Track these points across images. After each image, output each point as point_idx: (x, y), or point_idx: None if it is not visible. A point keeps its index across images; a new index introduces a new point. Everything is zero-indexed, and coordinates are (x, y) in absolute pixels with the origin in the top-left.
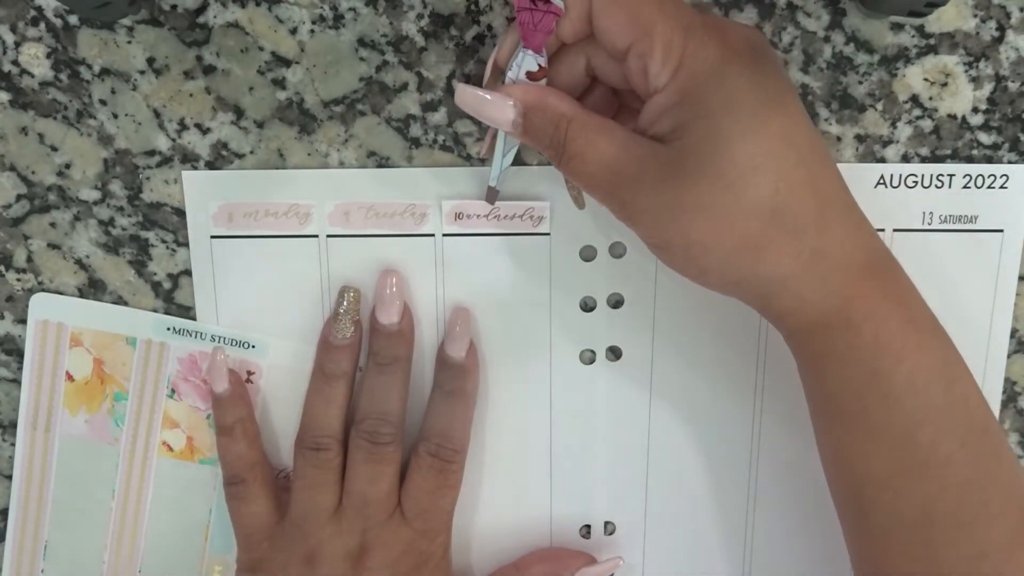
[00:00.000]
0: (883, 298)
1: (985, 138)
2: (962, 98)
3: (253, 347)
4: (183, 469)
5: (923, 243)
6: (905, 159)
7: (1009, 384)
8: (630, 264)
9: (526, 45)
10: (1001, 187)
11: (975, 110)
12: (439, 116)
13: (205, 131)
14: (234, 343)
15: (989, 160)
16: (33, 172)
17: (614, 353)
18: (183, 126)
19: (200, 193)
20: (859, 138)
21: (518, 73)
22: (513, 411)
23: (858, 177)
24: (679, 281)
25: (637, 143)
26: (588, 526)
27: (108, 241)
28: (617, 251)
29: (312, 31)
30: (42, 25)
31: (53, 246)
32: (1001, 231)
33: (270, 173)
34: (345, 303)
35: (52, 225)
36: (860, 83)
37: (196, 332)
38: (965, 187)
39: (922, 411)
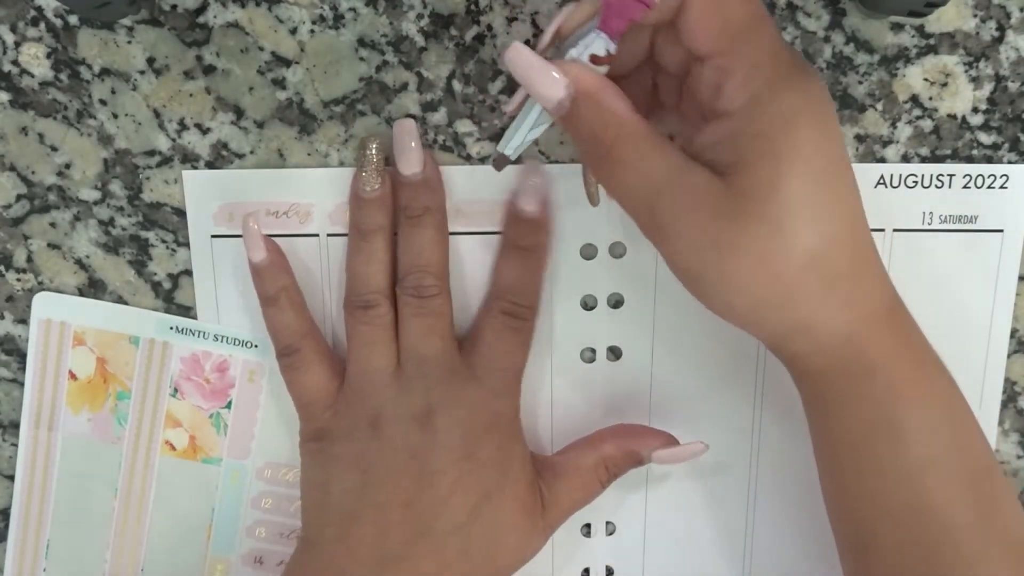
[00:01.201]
0: (896, 344)
1: (985, 138)
2: (962, 98)
3: (256, 347)
4: (186, 468)
5: (923, 243)
6: (905, 159)
7: (1009, 384)
8: (630, 264)
9: (602, 27)
10: (1001, 187)
11: (975, 110)
12: (439, 116)
13: (205, 131)
14: (237, 343)
15: (989, 160)
16: (33, 172)
17: (614, 353)
18: (183, 126)
19: (201, 193)
20: (859, 138)
21: (583, 52)
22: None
23: (858, 177)
24: (679, 282)
25: (692, 171)
26: (589, 525)
27: (108, 241)
28: (617, 251)
29: (312, 31)
30: (42, 25)
31: (53, 246)
32: (1001, 231)
33: (271, 172)
34: (369, 153)
35: (52, 225)
36: (860, 83)
37: (198, 331)
38: (965, 187)
39: (929, 455)
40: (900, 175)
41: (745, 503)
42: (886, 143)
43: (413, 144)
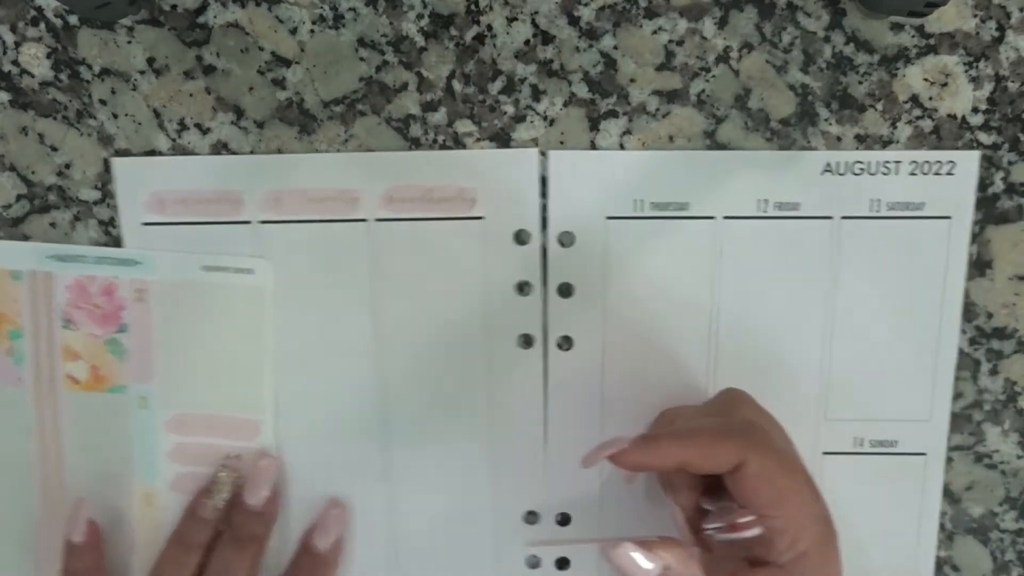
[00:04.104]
0: None
1: (985, 138)
2: (962, 98)
3: (140, 264)
4: (93, 400)
5: (871, 230)
6: None
7: (1009, 384)
8: (579, 253)
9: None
10: (948, 173)
11: (975, 110)
12: (439, 116)
13: (205, 131)
14: (119, 262)
15: (989, 160)
16: (33, 172)
17: (568, 342)
18: (183, 126)
19: (131, 180)
20: (859, 138)
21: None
22: (450, 394)
23: (805, 165)
24: (630, 270)
25: None
26: (532, 512)
27: (108, 241)
28: (566, 240)
29: (312, 31)
30: (42, 25)
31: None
32: (949, 218)
33: (201, 159)
34: (222, 479)
35: (52, 225)
36: (860, 83)
37: (78, 256)
38: (912, 174)
39: None
40: (847, 162)
41: None
42: (886, 143)
43: (268, 479)
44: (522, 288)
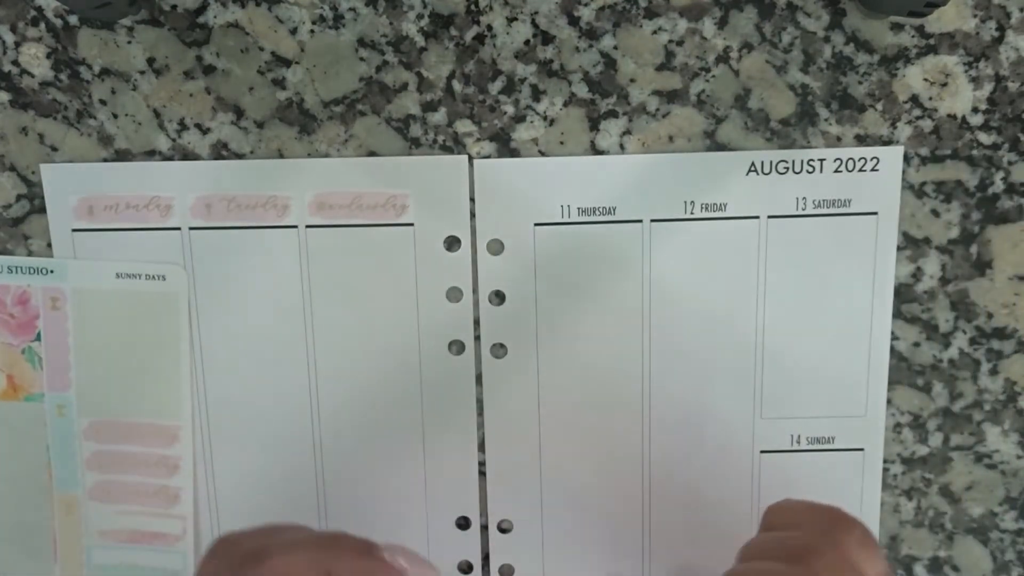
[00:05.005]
0: None
1: (985, 138)
2: (962, 98)
3: (52, 272)
4: (9, 410)
5: (798, 229)
6: (905, 159)
7: (1009, 384)
8: (509, 260)
9: None
10: (872, 169)
11: (975, 110)
12: (439, 116)
13: (205, 131)
14: (32, 271)
15: (989, 160)
16: (33, 172)
17: (502, 349)
18: (183, 126)
19: (60, 186)
20: (859, 138)
21: None
22: (383, 399)
23: (729, 165)
24: (560, 277)
25: None
26: (466, 517)
27: None
28: (494, 248)
29: (312, 31)
30: (42, 25)
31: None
32: (875, 213)
33: (130, 165)
34: None
35: None
36: (860, 83)
37: None
38: (836, 171)
39: None
40: (771, 162)
41: (640, 501)
42: (886, 143)
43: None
44: (453, 295)
